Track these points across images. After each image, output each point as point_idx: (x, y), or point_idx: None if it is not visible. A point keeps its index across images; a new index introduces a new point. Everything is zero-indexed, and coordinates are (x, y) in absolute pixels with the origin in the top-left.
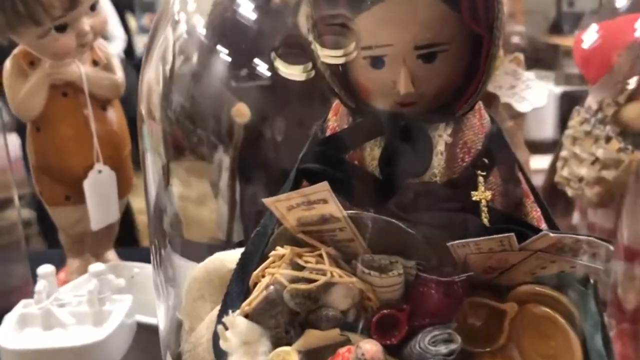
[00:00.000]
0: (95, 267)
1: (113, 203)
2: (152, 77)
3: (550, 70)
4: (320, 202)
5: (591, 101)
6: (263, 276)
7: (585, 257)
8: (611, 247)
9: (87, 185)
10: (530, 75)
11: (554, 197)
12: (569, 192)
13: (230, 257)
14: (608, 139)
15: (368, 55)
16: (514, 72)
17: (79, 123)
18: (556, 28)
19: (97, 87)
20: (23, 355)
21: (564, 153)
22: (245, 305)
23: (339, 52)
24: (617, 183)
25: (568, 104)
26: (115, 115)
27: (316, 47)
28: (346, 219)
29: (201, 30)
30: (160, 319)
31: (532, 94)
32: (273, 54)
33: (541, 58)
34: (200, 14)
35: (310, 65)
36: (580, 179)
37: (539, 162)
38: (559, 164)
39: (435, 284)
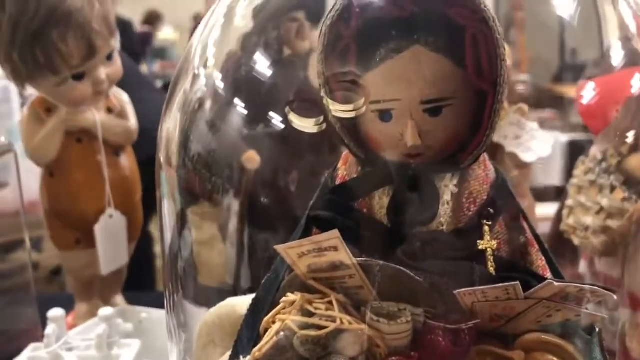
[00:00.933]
0: (105, 311)
1: (123, 247)
2: (171, 126)
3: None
4: (331, 249)
5: (595, 151)
6: (274, 322)
7: (591, 306)
8: (614, 296)
9: (99, 229)
10: (534, 125)
11: (561, 246)
12: (575, 240)
13: (242, 303)
14: (612, 189)
15: (377, 109)
16: (518, 122)
17: (92, 169)
18: (560, 77)
19: (111, 134)
20: None
21: (569, 202)
22: (256, 351)
23: (350, 107)
24: (622, 232)
25: (574, 152)
26: (127, 161)
27: (328, 102)
28: (356, 266)
29: (219, 84)
30: None
31: (537, 144)
32: (287, 108)
33: (546, 106)
34: (218, 69)
35: (322, 118)
36: (586, 228)
37: (546, 210)
38: (564, 212)
39: (443, 331)
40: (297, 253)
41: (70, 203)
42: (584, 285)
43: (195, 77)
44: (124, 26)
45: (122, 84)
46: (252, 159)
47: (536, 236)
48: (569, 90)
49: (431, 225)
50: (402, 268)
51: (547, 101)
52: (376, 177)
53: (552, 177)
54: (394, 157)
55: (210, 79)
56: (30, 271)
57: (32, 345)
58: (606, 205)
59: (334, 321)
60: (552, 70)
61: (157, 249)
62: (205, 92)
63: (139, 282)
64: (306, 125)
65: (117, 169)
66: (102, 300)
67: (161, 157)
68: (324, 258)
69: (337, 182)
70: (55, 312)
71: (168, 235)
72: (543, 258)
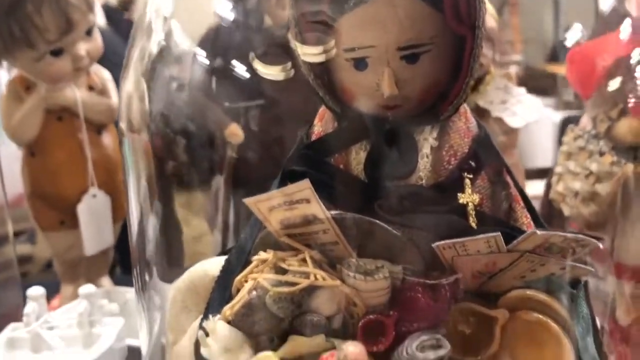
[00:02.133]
0: (86, 288)
1: (107, 228)
2: (131, 89)
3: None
4: (302, 201)
5: (585, 120)
6: (246, 281)
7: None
8: (600, 244)
9: (81, 209)
10: (521, 90)
11: (551, 218)
12: (565, 210)
13: (214, 266)
14: (602, 153)
15: (351, 57)
16: (505, 87)
17: (73, 147)
18: (554, 57)
19: (93, 112)
20: None
21: (558, 169)
22: (227, 310)
23: (319, 50)
24: (610, 200)
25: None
26: (110, 139)
27: (296, 45)
28: (329, 220)
29: (182, 40)
30: (142, 343)
31: (524, 109)
32: (252, 55)
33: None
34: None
35: (289, 65)
36: (575, 194)
37: (540, 188)
38: (553, 179)
39: (422, 287)
40: (268, 207)
41: (52, 183)
42: (568, 234)
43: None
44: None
45: (111, 64)
46: (235, 133)
47: (521, 192)
48: (563, 69)
49: (410, 179)
50: (378, 221)
51: (541, 80)
52: (352, 131)
53: (546, 157)
54: (370, 109)
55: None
56: (14, 251)
57: (11, 325)
58: (595, 169)
59: (307, 277)
60: (547, 50)
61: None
62: (166, 47)
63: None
64: (272, 72)
65: (99, 148)
66: (89, 282)
67: (122, 123)
68: (296, 211)
69: (313, 138)
70: (35, 291)
71: (134, 210)
72: (528, 215)
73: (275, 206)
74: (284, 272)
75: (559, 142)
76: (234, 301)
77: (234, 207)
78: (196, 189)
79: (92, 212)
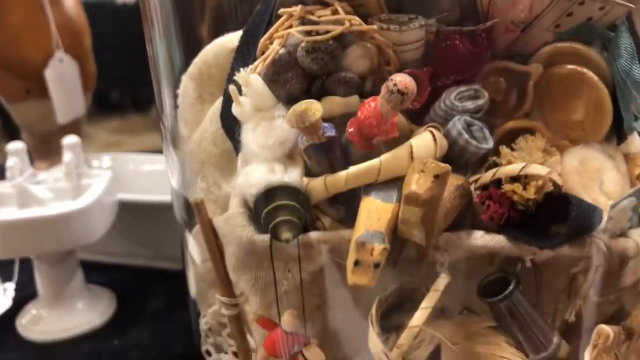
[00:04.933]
0: (70, 139)
1: (78, 96)
2: None
3: None
4: None
5: None
6: (271, 43)
7: None
8: None
9: (49, 75)
10: None
11: None
12: None
13: (230, 39)
14: None
15: None
16: None
17: (33, 8)
18: None
19: None
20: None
21: None
22: (257, 65)
23: None
24: None
25: None
26: (72, 1)
27: None
28: None
29: None
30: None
31: None
32: None
33: None
34: None
35: None
36: None
37: None
38: None
39: (460, 34)
40: None
41: (14, 49)
42: None
43: None
44: None
45: None
46: None
47: None
48: None
49: None
50: None
51: None
52: None
53: None
54: None
55: None
56: None
57: None
58: None
59: (342, 24)
60: None
61: None
62: None
63: None
64: None
65: (60, 9)
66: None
67: None
68: None
69: None
70: (16, 145)
71: None
72: None
73: None
74: (314, 24)
75: None
76: (259, 61)
77: None
78: None
79: (61, 78)
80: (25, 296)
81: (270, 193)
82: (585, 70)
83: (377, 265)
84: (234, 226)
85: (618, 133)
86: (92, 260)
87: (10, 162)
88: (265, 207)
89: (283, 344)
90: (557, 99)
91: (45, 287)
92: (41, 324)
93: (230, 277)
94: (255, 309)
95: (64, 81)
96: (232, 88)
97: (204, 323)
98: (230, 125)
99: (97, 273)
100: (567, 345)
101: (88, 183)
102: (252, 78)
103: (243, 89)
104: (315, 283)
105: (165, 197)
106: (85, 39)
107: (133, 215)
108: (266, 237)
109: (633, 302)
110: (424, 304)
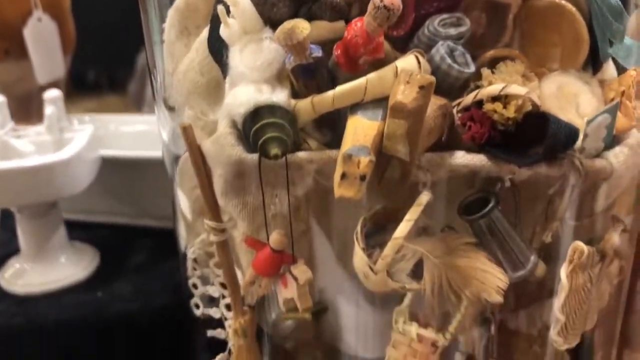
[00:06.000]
0: (51, 93)
1: (57, 57)
2: None
3: None
4: None
5: None
6: None
7: None
8: None
9: (28, 33)
10: None
11: None
12: None
13: None
14: None
15: None
16: None
17: None
18: None
19: None
20: None
21: None
22: None
23: None
24: None
25: None
26: None
27: None
28: None
29: None
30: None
31: None
32: None
33: None
34: None
35: None
36: None
37: None
38: None
39: None
40: None
41: None
42: None
43: None
44: None
45: None
46: None
47: None
48: None
49: None
50: None
51: None
52: None
53: None
54: None
55: None
56: None
57: None
58: None
59: None
60: None
61: None
62: None
63: None
64: None
65: None
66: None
67: None
68: None
69: None
70: None
71: None
72: None
73: None
74: None
75: None
76: None
77: None
78: None
79: (40, 38)
80: (6, 253)
81: (259, 111)
82: (563, 2)
83: (363, 178)
84: (223, 145)
85: (594, 63)
86: (75, 219)
87: None
88: (254, 125)
89: (272, 262)
90: (536, 31)
91: (27, 241)
92: (24, 276)
93: (219, 202)
94: (243, 232)
95: (43, 40)
96: (220, 8)
97: (191, 252)
98: (218, 48)
99: (80, 231)
100: (543, 265)
101: (70, 136)
102: None
103: (231, 9)
104: (301, 209)
105: (146, 153)
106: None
107: (115, 173)
108: (254, 156)
109: (606, 227)
110: (406, 217)
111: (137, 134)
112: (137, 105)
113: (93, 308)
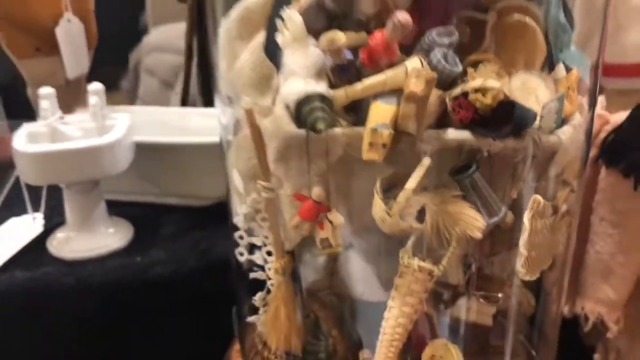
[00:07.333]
0: (95, 85)
1: (84, 53)
2: None
3: None
4: None
5: None
6: None
7: None
8: None
9: (60, 33)
10: None
11: None
12: None
13: None
14: None
15: None
16: None
17: None
18: None
19: None
20: (37, 157)
21: None
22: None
23: None
24: None
25: None
26: None
27: None
28: None
29: None
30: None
31: None
32: None
33: None
34: None
35: None
36: None
37: None
38: None
39: None
40: None
41: (23, 6)
42: None
43: None
44: None
45: None
46: None
47: None
48: None
49: None
50: None
51: None
52: None
53: None
54: None
55: None
56: None
57: (26, 125)
58: None
59: None
60: None
61: None
62: None
63: None
64: None
65: None
66: (66, 113)
67: None
68: None
69: None
70: (47, 90)
71: None
72: None
73: None
74: None
75: None
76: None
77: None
78: None
79: (69, 37)
80: (52, 226)
81: (308, 98)
82: (527, 19)
83: (384, 145)
84: (280, 123)
85: (549, 65)
86: (110, 198)
87: (45, 105)
88: (304, 108)
89: (313, 210)
90: (507, 41)
91: (73, 213)
92: (71, 243)
93: (270, 168)
94: (289, 192)
95: (72, 39)
96: (279, 22)
97: (244, 209)
98: (273, 51)
99: (115, 208)
100: (511, 214)
101: (111, 123)
102: (294, 15)
103: (285, 22)
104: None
105: (172, 139)
106: (89, 2)
107: (145, 156)
108: (303, 131)
109: (558, 188)
110: (414, 174)
111: (163, 122)
112: (130, 101)
113: (135, 270)
